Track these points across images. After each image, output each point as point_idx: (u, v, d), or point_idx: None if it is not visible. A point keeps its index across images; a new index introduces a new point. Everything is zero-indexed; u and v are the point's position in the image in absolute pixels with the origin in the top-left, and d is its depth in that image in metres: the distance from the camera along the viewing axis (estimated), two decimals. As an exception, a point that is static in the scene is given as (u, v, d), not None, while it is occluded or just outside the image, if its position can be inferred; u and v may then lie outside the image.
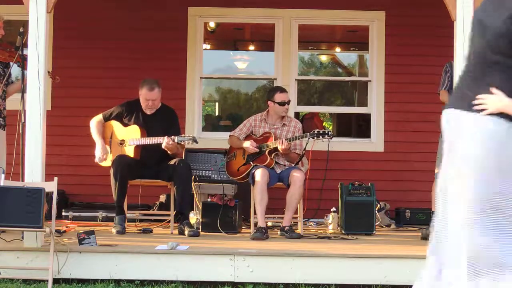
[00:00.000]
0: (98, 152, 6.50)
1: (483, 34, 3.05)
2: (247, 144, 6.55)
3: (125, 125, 6.57)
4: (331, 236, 6.43)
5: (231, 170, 6.74)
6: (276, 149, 6.40)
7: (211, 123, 10.47)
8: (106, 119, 6.64)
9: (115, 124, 6.60)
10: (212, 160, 7.25)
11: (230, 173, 6.74)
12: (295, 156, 6.57)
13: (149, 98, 6.48)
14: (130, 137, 6.48)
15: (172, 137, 6.24)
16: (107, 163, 6.45)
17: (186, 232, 6.12)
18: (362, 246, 5.91)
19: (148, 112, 6.55)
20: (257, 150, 6.50)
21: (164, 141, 6.24)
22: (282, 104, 6.60)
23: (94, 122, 6.62)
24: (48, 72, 5.88)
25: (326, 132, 6.33)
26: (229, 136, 6.85)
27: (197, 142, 6.33)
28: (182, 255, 5.18)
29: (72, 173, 7.69)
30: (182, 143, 6.37)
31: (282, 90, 6.68)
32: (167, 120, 6.57)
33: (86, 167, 7.44)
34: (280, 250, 5.40)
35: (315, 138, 6.32)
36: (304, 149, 6.45)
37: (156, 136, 6.30)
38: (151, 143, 6.35)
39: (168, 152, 6.34)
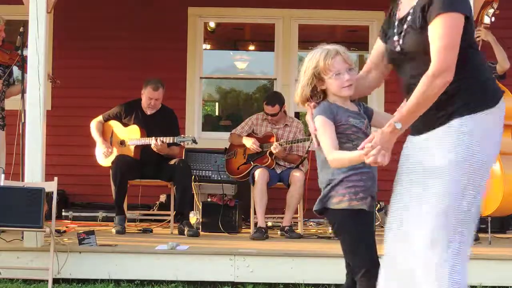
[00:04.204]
0: (101, 149, 6.49)
1: None
2: (249, 142, 6.55)
3: (125, 125, 6.58)
4: (331, 236, 6.41)
5: (230, 168, 6.74)
6: None
7: (211, 123, 10.46)
8: (106, 119, 6.65)
9: (115, 124, 6.61)
10: (212, 160, 7.25)
11: (230, 171, 6.74)
12: (296, 157, 6.57)
13: (152, 97, 6.48)
14: (130, 137, 6.48)
15: (161, 138, 6.24)
16: (108, 163, 6.45)
17: (186, 232, 6.12)
18: (362, 246, 5.89)
19: (149, 112, 6.55)
20: (260, 149, 6.51)
21: (152, 143, 6.24)
22: (266, 113, 6.64)
23: (94, 123, 6.64)
24: (49, 75, 5.88)
25: None
26: (230, 134, 6.86)
27: (196, 143, 6.33)
28: (182, 255, 5.18)
29: (72, 173, 7.69)
30: (182, 143, 6.37)
31: (268, 102, 6.62)
32: (166, 120, 6.58)
33: (86, 167, 7.44)
34: (280, 250, 5.40)
35: None
36: (307, 151, 6.45)
37: (156, 137, 6.29)
38: (144, 143, 6.35)
39: (160, 153, 6.34)
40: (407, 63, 2.93)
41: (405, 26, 2.90)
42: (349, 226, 3.05)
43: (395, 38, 2.94)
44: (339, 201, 3.03)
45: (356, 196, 3.01)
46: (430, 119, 2.84)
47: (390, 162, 2.88)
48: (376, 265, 3.03)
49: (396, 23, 2.97)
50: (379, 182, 3.18)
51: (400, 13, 2.98)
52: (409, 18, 2.89)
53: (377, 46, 3.17)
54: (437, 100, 2.77)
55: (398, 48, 2.93)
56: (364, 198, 3.03)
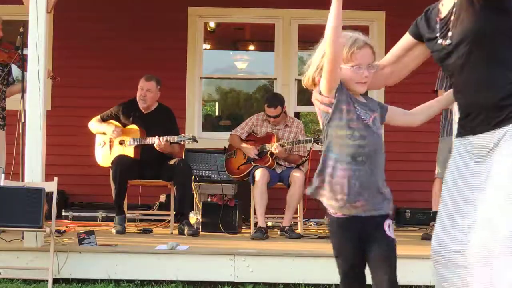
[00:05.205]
0: (109, 130, 6.49)
1: None
2: (248, 149, 6.56)
3: (124, 125, 6.58)
4: (331, 236, 6.42)
5: (230, 168, 6.74)
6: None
7: (211, 123, 10.47)
8: (104, 119, 6.65)
9: (114, 124, 6.60)
10: (212, 160, 7.25)
11: (230, 171, 6.74)
12: (297, 158, 6.58)
13: (143, 87, 6.51)
14: (130, 137, 6.48)
15: (164, 137, 6.24)
16: (107, 163, 6.44)
17: (186, 231, 6.12)
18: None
19: (140, 104, 6.54)
20: (258, 158, 6.52)
21: (155, 142, 6.25)
22: (268, 116, 6.63)
23: (94, 120, 6.64)
24: (49, 71, 5.88)
25: None
26: (231, 134, 6.86)
27: (196, 141, 6.34)
28: (182, 255, 5.17)
29: (72, 173, 7.69)
30: (182, 142, 6.37)
31: (270, 104, 6.61)
32: (165, 118, 6.58)
33: (86, 167, 7.45)
34: (280, 250, 5.40)
35: (320, 143, 6.33)
36: (308, 153, 6.46)
37: (155, 135, 6.30)
38: (146, 143, 6.36)
39: (162, 152, 6.35)
40: (458, 57, 2.79)
41: (452, 18, 2.81)
42: (332, 233, 2.91)
43: (439, 41, 2.85)
44: (329, 204, 2.81)
45: (345, 204, 2.75)
46: (493, 116, 2.73)
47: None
48: (348, 278, 2.87)
49: (438, 25, 2.88)
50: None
51: (442, 14, 2.90)
52: (454, 10, 2.80)
53: (402, 43, 3.09)
54: (501, 97, 2.69)
55: (448, 41, 2.81)
56: (352, 202, 2.75)
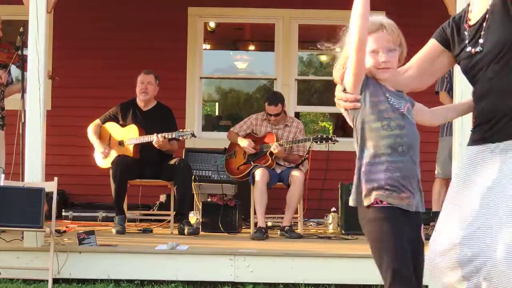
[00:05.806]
0: (99, 150, 6.49)
1: None
2: (244, 143, 6.56)
3: (123, 125, 6.58)
4: (331, 236, 6.42)
5: (230, 168, 6.74)
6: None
7: (211, 123, 10.48)
8: (104, 121, 6.65)
9: (112, 126, 6.60)
10: (212, 160, 7.25)
11: (229, 171, 6.74)
12: (297, 158, 6.57)
13: (144, 81, 6.52)
14: (129, 136, 6.48)
15: (162, 134, 6.25)
16: (107, 164, 6.44)
17: (185, 230, 6.12)
18: (362, 246, 5.88)
19: (142, 98, 6.54)
20: (254, 151, 6.52)
21: (154, 139, 6.25)
22: (268, 114, 6.63)
23: (91, 126, 6.62)
24: (48, 72, 5.88)
25: (330, 137, 6.34)
26: (229, 131, 6.86)
27: (195, 136, 6.34)
28: (182, 255, 5.18)
29: (72, 173, 7.69)
30: (181, 138, 6.37)
31: (271, 102, 6.60)
32: (163, 116, 6.59)
33: (86, 167, 7.43)
34: (280, 250, 5.40)
35: (318, 142, 6.33)
36: (308, 152, 6.46)
37: (153, 134, 6.29)
38: (145, 141, 6.36)
39: (161, 149, 6.34)
40: (489, 64, 2.73)
41: (484, 25, 2.74)
42: (380, 225, 2.62)
43: (468, 49, 2.78)
44: (376, 195, 2.60)
45: (391, 194, 2.60)
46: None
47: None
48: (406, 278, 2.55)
49: (467, 32, 2.80)
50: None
51: (472, 21, 2.82)
52: (487, 16, 2.74)
53: (427, 48, 3.00)
54: None
55: (478, 48, 2.74)
56: (399, 192, 2.63)
